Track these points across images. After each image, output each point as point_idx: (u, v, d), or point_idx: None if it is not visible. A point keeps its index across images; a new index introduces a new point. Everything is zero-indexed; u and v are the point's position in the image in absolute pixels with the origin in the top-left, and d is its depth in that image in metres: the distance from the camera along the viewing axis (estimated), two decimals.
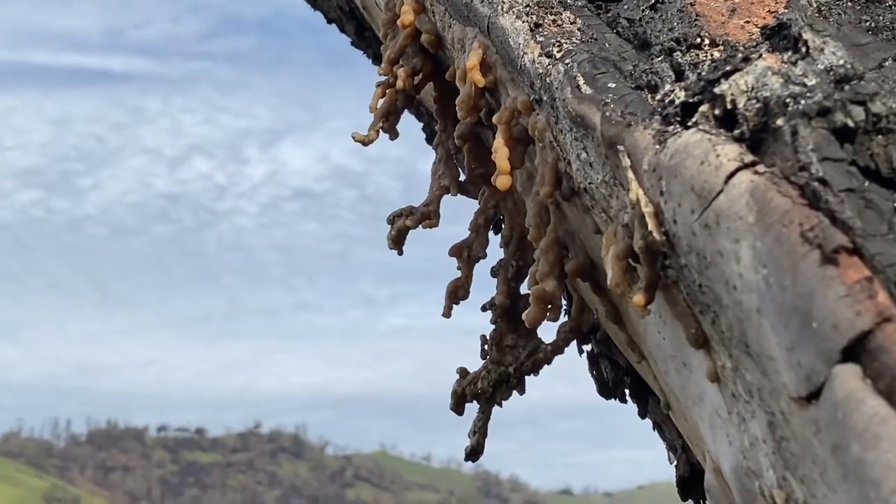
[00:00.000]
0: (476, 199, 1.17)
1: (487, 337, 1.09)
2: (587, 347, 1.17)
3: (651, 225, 0.68)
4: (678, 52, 0.79)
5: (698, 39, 0.80)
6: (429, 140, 1.58)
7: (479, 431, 1.07)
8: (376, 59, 1.74)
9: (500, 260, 1.12)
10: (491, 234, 1.12)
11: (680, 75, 0.76)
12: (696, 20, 0.85)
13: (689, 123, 0.67)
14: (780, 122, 0.62)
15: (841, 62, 0.66)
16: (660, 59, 0.80)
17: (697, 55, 0.79)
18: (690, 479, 1.08)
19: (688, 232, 0.65)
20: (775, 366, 0.59)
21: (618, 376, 1.16)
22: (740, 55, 0.68)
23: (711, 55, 0.78)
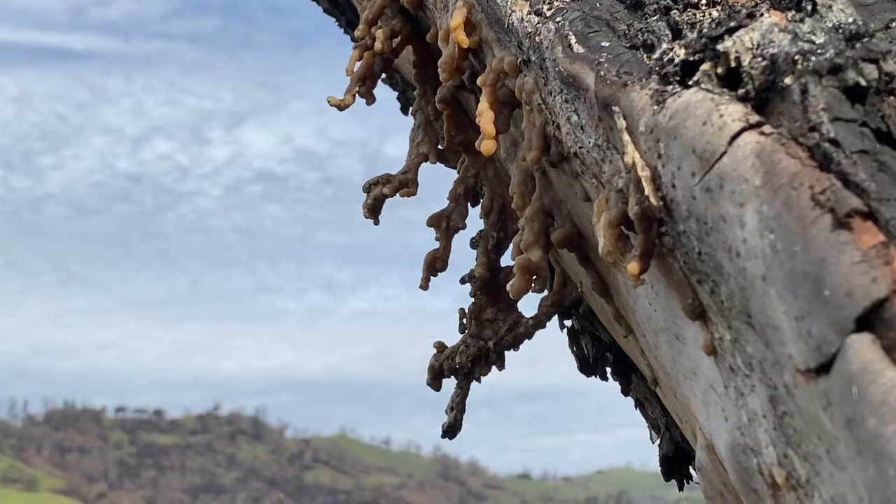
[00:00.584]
0: (455, 167, 1.14)
1: (466, 310, 1.06)
2: (568, 322, 1.14)
3: (648, 189, 0.66)
4: (675, 11, 0.76)
5: None
6: (403, 109, 1.55)
7: (457, 408, 1.04)
8: (349, 27, 1.69)
9: (480, 231, 1.09)
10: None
11: (678, 34, 0.73)
12: None
13: (690, 83, 0.65)
14: (788, 80, 0.59)
15: (850, 20, 0.63)
16: (655, 17, 0.77)
17: (695, 14, 0.76)
18: (675, 457, 1.05)
19: (688, 196, 0.62)
20: (780, 336, 0.56)
21: (599, 352, 1.13)
22: (744, 11, 0.65)
23: (710, 14, 0.75)
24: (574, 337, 1.15)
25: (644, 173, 0.66)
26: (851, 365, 0.49)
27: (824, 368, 0.52)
